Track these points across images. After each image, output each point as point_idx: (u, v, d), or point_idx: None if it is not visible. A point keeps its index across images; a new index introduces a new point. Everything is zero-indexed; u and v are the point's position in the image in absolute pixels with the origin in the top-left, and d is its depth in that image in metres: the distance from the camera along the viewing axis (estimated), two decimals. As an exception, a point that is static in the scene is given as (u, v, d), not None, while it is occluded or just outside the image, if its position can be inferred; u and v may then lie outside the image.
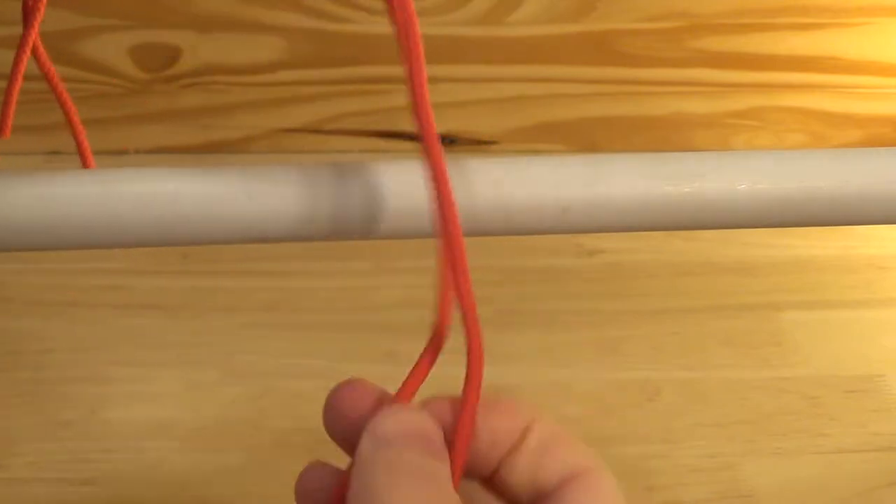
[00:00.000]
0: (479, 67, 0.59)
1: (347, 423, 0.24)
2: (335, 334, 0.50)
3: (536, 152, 0.63)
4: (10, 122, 0.24)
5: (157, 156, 0.62)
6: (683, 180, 0.26)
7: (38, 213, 0.25)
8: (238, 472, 0.43)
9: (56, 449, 0.44)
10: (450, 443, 0.23)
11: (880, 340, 0.52)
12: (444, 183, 0.23)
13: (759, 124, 0.64)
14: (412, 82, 0.24)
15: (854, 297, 0.55)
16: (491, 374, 0.46)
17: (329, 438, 0.25)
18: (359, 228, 0.26)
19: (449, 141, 0.63)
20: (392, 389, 0.25)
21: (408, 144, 0.63)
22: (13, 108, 0.24)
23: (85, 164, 0.27)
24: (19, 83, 0.24)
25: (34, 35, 0.24)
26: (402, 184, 0.26)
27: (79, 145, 0.26)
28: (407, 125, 0.62)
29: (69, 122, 0.28)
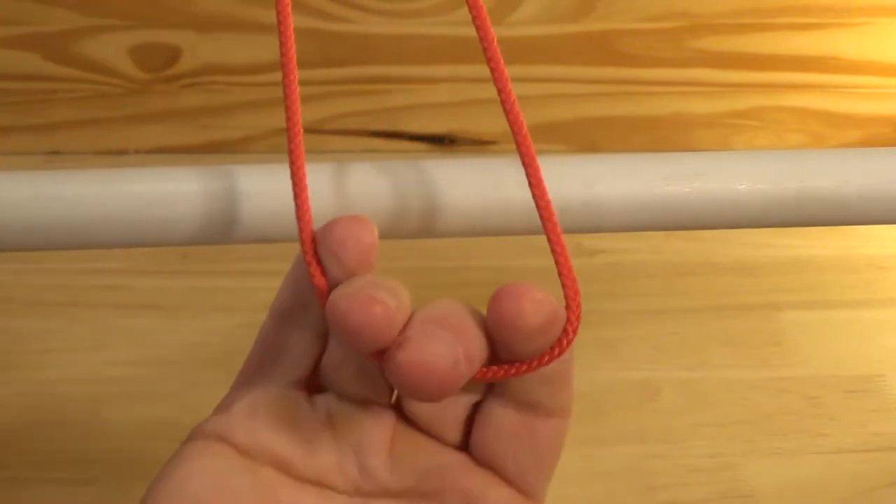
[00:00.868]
0: (480, 67, 0.59)
1: None
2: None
3: (537, 152, 0.63)
4: None
5: (157, 156, 0.62)
6: (683, 180, 0.26)
7: (38, 213, 0.25)
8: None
9: (56, 449, 0.44)
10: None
11: (880, 340, 0.52)
12: (539, 181, 0.24)
13: (759, 124, 0.64)
14: (497, 84, 0.24)
15: (854, 297, 0.55)
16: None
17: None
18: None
19: (449, 141, 0.63)
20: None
21: (408, 144, 0.63)
22: None
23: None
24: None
25: None
26: (402, 184, 0.26)
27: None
28: (407, 125, 0.62)
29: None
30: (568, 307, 0.23)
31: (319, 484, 0.24)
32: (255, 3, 0.56)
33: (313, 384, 0.26)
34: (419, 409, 0.25)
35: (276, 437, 0.24)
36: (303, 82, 0.23)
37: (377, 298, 0.21)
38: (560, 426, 0.25)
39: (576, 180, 0.26)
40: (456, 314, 0.22)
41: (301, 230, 0.23)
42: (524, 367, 0.23)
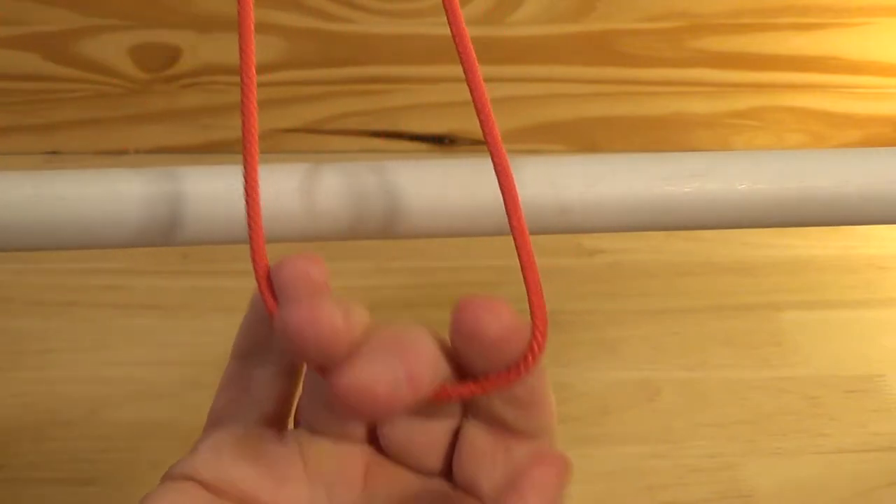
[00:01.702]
0: (480, 67, 0.59)
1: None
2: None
3: (536, 152, 0.63)
4: None
5: (157, 156, 0.62)
6: (683, 180, 0.26)
7: (38, 213, 0.25)
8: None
9: (56, 449, 0.44)
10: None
11: (880, 340, 0.52)
12: (510, 181, 0.23)
13: (759, 124, 0.64)
14: (470, 84, 0.24)
15: (854, 297, 0.55)
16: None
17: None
18: (363, 228, 0.26)
19: (449, 141, 0.63)
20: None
21: (408, 144, 0.63)
22: None
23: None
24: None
25: None
26: (404, 184, 0.26)
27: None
28: (407, 125, 0.62)
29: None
30: (534, 323, 0.23)
31: None
32: (255, 3, 0.56)
33: (284, 421, 0.26)
34: (393, 440, 0.25)
35: (242, 472, 0.24)
36: (303, 82, 0.23)
37: (323, 308, 0.21)
38: (540, 448, 0.25)
39: (576, 180, 0.26)
40: (407, 336, 0.22)
41: (256, 267, 0.24)
42: (487, 385, 0.22)
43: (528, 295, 0.23)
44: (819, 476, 0.44)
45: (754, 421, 0.47)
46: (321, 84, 0.60)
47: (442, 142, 0.63)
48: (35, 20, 0.57)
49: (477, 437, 0.24)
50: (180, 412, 0.45)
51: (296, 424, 0.26)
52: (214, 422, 0.26)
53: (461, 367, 0.23)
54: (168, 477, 0.24)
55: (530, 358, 0.22)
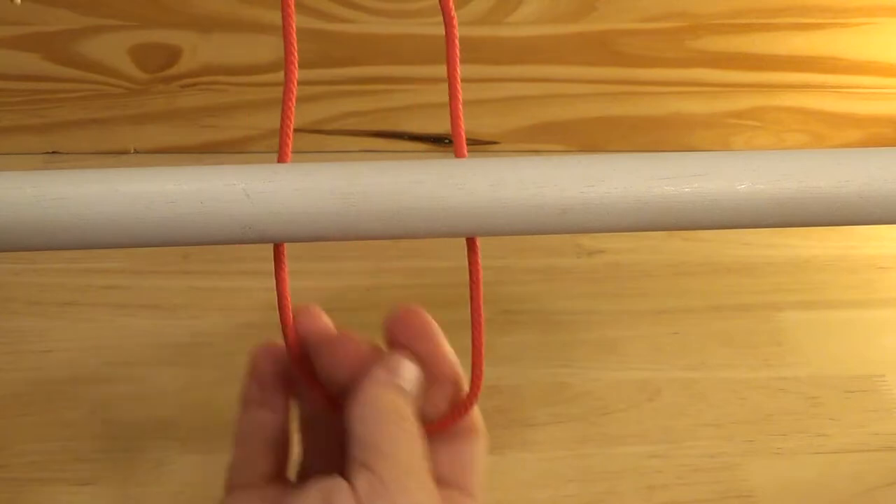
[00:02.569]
0: (479, 67, 0.59)
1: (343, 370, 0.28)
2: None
3: (536, 152, 0.63)
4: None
5: (157, 156, 0.62)
6: (683, 180, 0.26)
7: (38, 213, 0.25)
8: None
9: (56, 449, 0.44)
10: None
11: (880, 340, 0.52)
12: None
13: (759, 124, 0.64)
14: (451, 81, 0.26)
15: (854, 297, 0.55)
16: (491, 375, 0.46)
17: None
18: (363, 228, 0.26)
19: (449, 141, 0.63)
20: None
21: (408, 144, 0.63)
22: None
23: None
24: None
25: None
26: (404, 184, 0.26)
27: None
28: (407, 125, 0.62)
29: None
30: (472, 381, 0.28)
31: None
32: (255, 3, 0.56)
33: (286, 465, 0.30)
34: None
35: None
36: (303, 82, 0.23)
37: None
38: None
39: (576, 180, 0.26)
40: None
41: (282, 317, 0.28)
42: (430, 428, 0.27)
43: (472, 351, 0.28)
44: (819, 476, 0.44)
45: (754, 421, 0.47)
46: (321, 84, 0.60)
47: (442, 142, 0.63)
48: (35, 20, 0.57)
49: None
50: (180, 412, 0.45)
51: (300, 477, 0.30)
52: (232, 484, 0.29)
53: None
54: None
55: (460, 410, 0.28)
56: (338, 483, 0.24)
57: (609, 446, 0.45)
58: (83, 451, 0.44)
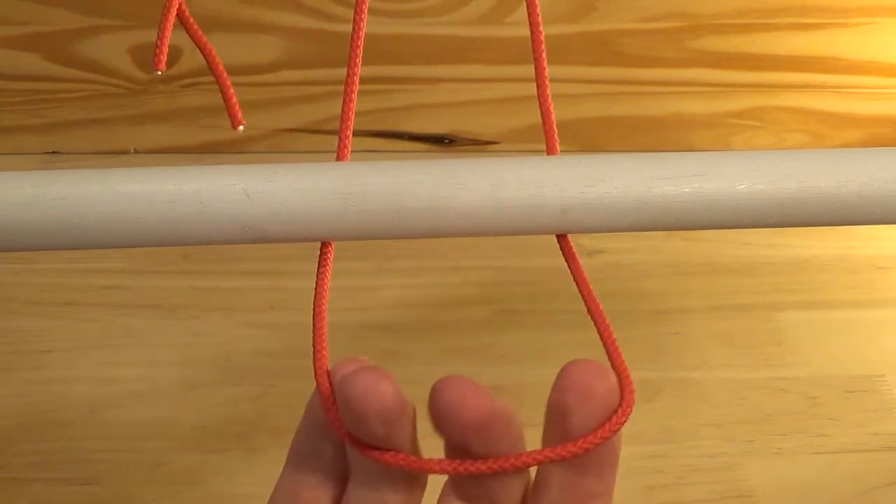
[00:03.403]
0: (479, 67, 0.59)
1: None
2: (335, 334, 0.50)
3: (536, 152, 0.63)
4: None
5: (157, 156, 0.62)
6: (683, 180, 0.26)
7: (38, 213, 0.25)
8: (238, 472, 0.43)
9: (56, 449, 0.44)
10: None
11: (880, 340, 0.52)
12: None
13: (759, 124, 0.64)
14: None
15: (854, 297, 0.55)
16: (491, 374, 0.46)
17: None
18: (363, 228, 0.26)
19: (449, 141, 0.63)
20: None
21: (408, 144, 0.63)
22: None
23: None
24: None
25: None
26: (404, 184, 0.26)
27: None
28: (407, 125, 0.62)
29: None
30: (621, 385, 0.23)
31: None
32: (255, 3, 0.56)
33: None
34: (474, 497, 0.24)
35: None
36: (303, 82, 0.23)
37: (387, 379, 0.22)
38: None
39: (576, 180, 0.26)
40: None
41: (317, 374, 0.24)
42: (564, 451, 0.22)
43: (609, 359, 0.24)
44: (819, 476, 0.44)
45: (754, 421, 0.47)
46: (321, 84, 0.60)
47: (442, 142, 0.63)
48: (35, 20, 0.57)
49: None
50: (180, 412, 0.45)
51: None
52: None
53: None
54: None
55: (616, 420, 0.23)
56: None
57: (609, 446, 0.45)
58: (83, 451, 0.44)
